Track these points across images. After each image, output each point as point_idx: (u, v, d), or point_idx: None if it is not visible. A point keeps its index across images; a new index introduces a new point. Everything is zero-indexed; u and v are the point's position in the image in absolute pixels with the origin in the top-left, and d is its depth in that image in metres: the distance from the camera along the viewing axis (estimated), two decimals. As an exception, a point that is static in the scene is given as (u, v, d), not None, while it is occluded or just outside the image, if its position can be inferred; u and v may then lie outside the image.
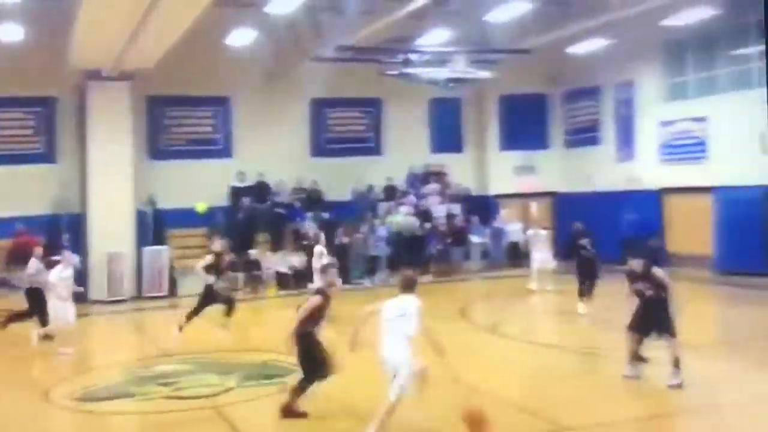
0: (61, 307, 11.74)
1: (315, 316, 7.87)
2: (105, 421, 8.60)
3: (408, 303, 7.01)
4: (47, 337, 11.91)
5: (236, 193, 20.24)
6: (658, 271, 8.85)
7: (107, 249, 17.84)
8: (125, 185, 18.46)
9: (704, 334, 12.68)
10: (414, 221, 20.64)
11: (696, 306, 15.26)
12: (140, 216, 18.88)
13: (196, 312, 12.60)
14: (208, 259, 12.91)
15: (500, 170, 23.18)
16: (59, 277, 11.83)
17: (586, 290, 13.79)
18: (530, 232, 17.75)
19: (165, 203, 19.22)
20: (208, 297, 12.67)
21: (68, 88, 18.68)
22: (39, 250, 12.91)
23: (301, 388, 7.83)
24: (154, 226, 19.03)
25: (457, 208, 21.89)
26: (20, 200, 18.01)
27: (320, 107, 21.89)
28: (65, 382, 10.09)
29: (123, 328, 15.81)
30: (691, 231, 18.83)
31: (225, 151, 20.94)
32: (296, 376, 8.18)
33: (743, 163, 17.15)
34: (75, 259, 13.83)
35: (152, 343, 13.48)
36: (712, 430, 7.72)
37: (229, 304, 12.92)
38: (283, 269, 18.95)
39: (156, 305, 17.13)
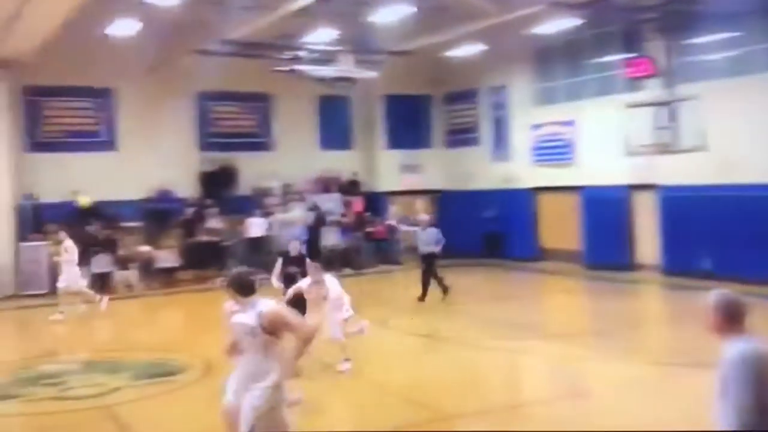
0: None
1: None
2: None
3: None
4: None
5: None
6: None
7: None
8: (2, 178, 17.85)
9: (573, 324, 13.84)
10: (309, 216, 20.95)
11: (565, 298, 16.66)
12: (19, 210, 18.26)
13: None
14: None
15: (388, 168, 23.84)
16: None
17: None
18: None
19: (46, 197, 18.71)
20: None
21: None
22: None
23: None
24: (34, 220, 18.47)
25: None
26: None
27: (206, 101, 21.76)
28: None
29: (2, 327, 15.31)
30: (562, 228, 20.22)
31: (109, 144, 20.49)
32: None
33: (608, 164, 18.53)
34: None
35: (34, 342, 13.20)
36: (580, 415, 8.13)
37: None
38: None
39: (36, 303, 16.65)
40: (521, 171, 21.51)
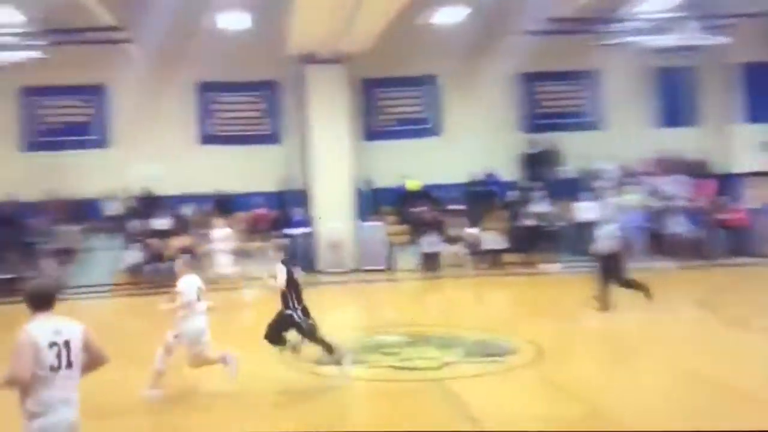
0: None
1: None
2: (335, 384, 8.76)
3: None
4: None
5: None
6: None
7: (329, 224, 19.00)
8: (343, 164, 19.47)
9: None
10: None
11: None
12: (358, 193, 19.84)
13: None
14: None
15: (745, 145, 20.73)
16: None
17: None
18: None
19: (380, 181, 20.10)
20: None
21: (290, 72, 19.85)
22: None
23: None
24: (371, 203, 19.90)
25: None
26: (254, 178, 19.74)
27: (527, 81, 21.37)
28: (298, 345, 10.58)
29: (346, 298, 16.63)
30: None
31: (434, 130, 21.20)
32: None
33: None
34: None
35: (374, 313, 14.08)
36: None
37: None
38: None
39: (374, 278, 17.93)
40: None
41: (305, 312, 8.76)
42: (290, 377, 9.07)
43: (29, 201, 19.05)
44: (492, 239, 19.04)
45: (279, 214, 19.59)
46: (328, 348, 8.83)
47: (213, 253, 15.94)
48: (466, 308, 14.40)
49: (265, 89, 20.71)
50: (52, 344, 4.24)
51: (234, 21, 17.83)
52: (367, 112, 21.09)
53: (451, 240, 19.16)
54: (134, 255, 18.05)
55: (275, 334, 8.85)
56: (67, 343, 4.29)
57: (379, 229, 19.30)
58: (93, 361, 4.47)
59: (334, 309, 15.35)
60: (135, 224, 18.92)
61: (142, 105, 19.66)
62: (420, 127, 21.21)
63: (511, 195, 20.21)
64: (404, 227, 19.74)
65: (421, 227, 19.16)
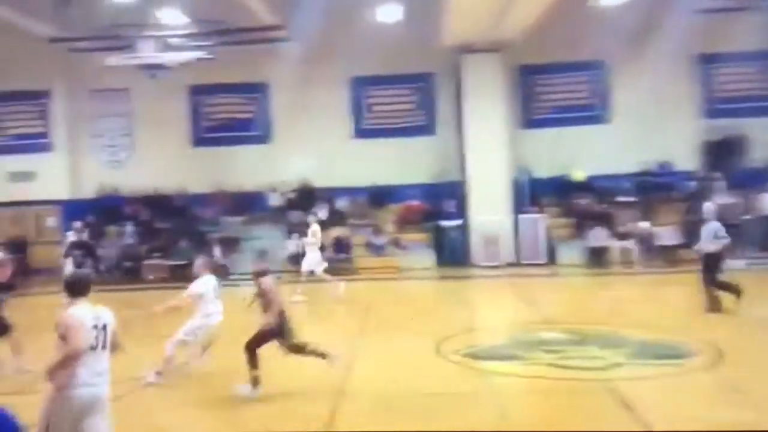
0: None
1: None
2: (494, 380, 8.59)
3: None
4: None
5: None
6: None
7: (485, 216, 18.40)
8: (500, 154, 18.86)
9: None
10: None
11: None
12: (516, 184, 19.05)
13: None
14: None
15: None
16: None
17: None
18: None
19: (540, 172, 19.22)
20: None
21: (444, 63, 19.48)
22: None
23: None
24: (530, 194, 19.06)
25: None
26: (408, 170, 19.64)
27: (706, 63, 19.61)
28: (453, 338, 10.44)
29: (503, 292, 16.03)
30: None
31: (600, 117, 19.95)
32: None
33: None
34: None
35: (533, 309, 13.37)
36: None
37: None
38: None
39: (534, 272, 17.07)
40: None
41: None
42: (447, 371, 8.79)
43: (198, 193, 20.30)
44: (666, 234, 17.57)
45: (432, 206, 19.24)
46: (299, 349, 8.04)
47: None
48: (636, 307, 13.29)
49: (419, 81, 20.53)
50: (94, 327, 4.86)
51: (387, 14, 17.94)
52: (526, 100, 20.37)
53: (621, 235, 17.83)
54: (294, 245, 18.36)
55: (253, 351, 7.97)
56: (104, 327, 4.93)
57: (538, 221, 18.45)
58: (113, 345, 5.07)
59: (491, 304, 15.21)
60: (295, 215, 19.28)
61: (300, 101, 20.18)
62: (584, 114, 20.14)
63: (690, 186, 18.49)
64: (567, 220, 18.70)
65: (586, 220, 18.00)
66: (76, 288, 4.99)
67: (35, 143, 21.03)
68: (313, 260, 14.54)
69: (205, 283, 8.71)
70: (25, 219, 20.49)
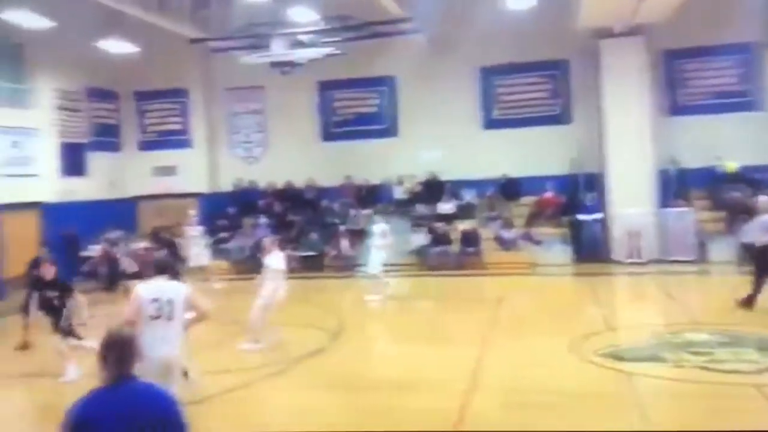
0: None
1: None
2: (636, 382, 8.02)
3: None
4: None
5: None
6: None
7: (626, 209, 17.36)
8: (643, 143, 17.67)
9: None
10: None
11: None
12: (661, 176, 17.80)
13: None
14: None
15: None
16: None
17: None
18: None
19: (687, 162, 17.85)
20: None
21: (579, 48, 18.57)
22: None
23: None
24: (677, 186, 17.77)
25: None
26: (541, 161, 18.87)
27: None
28: (592, 337, 9.94)
29: (646, 290, 15.05)
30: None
31: (754, 104, 18.26)
32: None
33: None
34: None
35: (681, 309, 12.36)
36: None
37: None
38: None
39: (681, 270, 15.86)
40: None
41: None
42: (586, 371, 8.41)
43: (327, 186, 20.48)
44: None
45: (569, 199, 18.32)
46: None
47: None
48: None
49: (552, 68, 19.63)
50: (154, 300, 5.59)
51: (518, 1, 17.11)
52: (671, 86, 18.94)
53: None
54: (420, 238, 18.08)
55: None
56: (170, 301, 5.63)
57: (686, 215, 17.10)
58: (198, 315, 5.89)
59: (632, 302, 14.46)
60: (421, 208, 19.04)
61: (426, 93, 19.94)
62: (735, 100, 18.46)
63: None
64: (718, 214, 17.23)
65: (739, 214, 16.47)
66: (156, 269, 5.94)
67: (176, 139, 22.04)
68: (379, 262, 14.14)
69: (280, 256, 9.97)
70: (167, 210, 21.42)
